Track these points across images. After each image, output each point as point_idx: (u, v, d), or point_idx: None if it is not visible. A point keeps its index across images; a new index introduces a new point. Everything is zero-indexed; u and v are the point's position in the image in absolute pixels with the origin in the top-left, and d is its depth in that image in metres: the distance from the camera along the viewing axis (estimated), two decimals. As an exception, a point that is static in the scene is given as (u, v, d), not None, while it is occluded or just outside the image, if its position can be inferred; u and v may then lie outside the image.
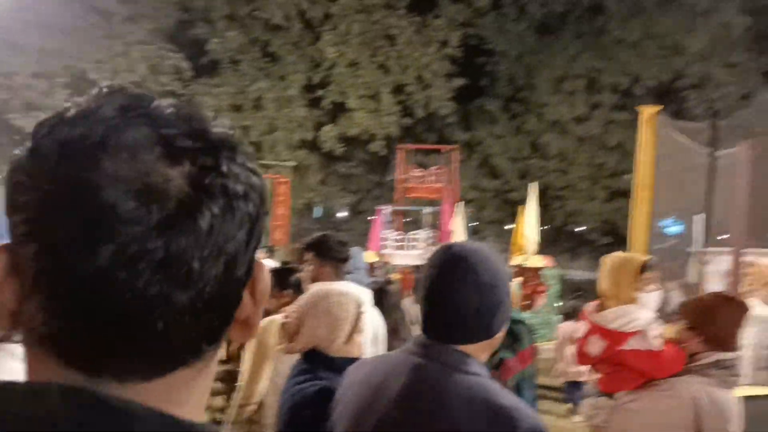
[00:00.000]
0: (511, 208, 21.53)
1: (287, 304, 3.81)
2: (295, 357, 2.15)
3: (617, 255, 3.52)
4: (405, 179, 15.87)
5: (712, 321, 2.78)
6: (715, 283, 8.80)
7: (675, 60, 19.08)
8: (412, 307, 5.93)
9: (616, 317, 3.12)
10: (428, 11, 19.18)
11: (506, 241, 23.09)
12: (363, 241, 23.96)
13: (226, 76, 19.07)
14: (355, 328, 2.11)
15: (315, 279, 3.23)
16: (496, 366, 4.42)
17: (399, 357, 1.44)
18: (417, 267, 10.01)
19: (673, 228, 26.52)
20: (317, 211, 25.34)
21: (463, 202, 13.24)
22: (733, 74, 18.63)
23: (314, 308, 2.08)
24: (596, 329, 3.09)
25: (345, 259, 3.34)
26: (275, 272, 3.84)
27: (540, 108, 20.29)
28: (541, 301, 8.68)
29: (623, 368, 2.97)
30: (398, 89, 18.94)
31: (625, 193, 20.42)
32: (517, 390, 4.45)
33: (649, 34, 19.46)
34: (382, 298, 3.33)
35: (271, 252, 9.07)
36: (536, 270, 9.77)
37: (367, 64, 18.41)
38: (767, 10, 18.12)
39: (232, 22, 18.81)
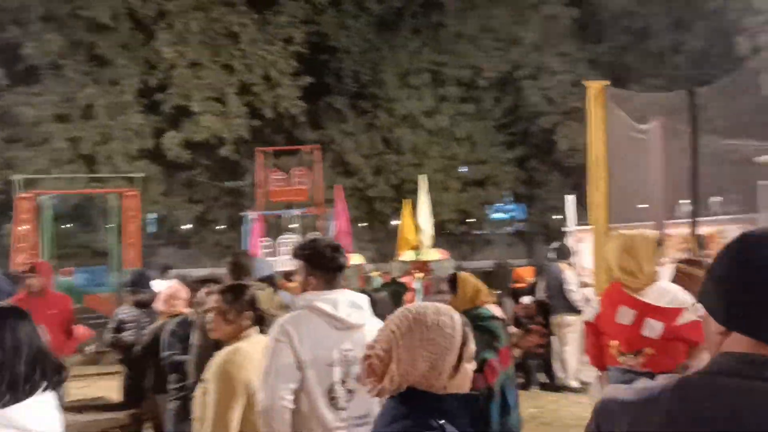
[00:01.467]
0: (368, 205, 21.35)
1: (245, 329, 3.13)
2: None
3: (629, 234, 3.25)
4: (265, 183, 15.03)
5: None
6: (587, 260, 9.15)
7: (512, 51, 19.87)
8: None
9: (659, 296, 3.10)
10: (268, 8, 18.43)
11: (364, 239, 23.01)
12: (214, 252, 22.65)
13: (47, 84, 17.06)
14: (464, 353, 1.60)
15: (304, 291, 2.78)
16: (480, 368, 4.00)
17: (729, 383, 1.02)
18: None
19: (499, 213, 27.68)
20: (152, 226, 23.64)
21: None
22: (564, 63, 19.76)
23: (408, 336, 1.55)
24: (648, 310, 3.01)
25: (339, 268, 2.81)
26: (231, 289, 3.15)
27: (389, 103, 20.31)
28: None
29: (668, 344, 2.98)
30: (245, 90, 18.00)
31: (478, 183, 21.06)
32: (501, 392, 4.06)
33: (485, 28, 20.12)
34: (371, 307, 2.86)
35: (166, 271, 7.82)
36: (428, 263, 9.52)
37: (210, 64, 17.31)
38: (589, 1, 19.42)
39: (49, 23, 16.84)
